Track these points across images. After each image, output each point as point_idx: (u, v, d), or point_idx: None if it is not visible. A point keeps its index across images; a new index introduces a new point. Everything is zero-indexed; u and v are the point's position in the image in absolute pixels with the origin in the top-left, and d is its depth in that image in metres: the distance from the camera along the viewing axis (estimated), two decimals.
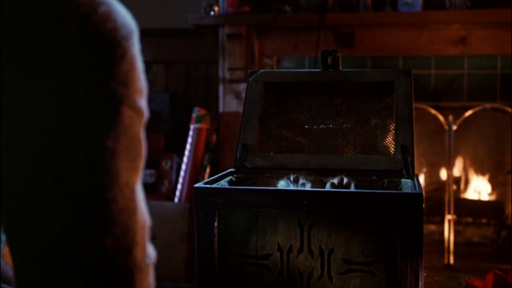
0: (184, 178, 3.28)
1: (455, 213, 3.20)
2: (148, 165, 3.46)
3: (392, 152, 1.40)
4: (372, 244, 1.11)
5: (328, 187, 1.13)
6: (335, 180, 1.12)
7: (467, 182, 3.52)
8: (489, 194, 3.50)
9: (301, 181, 1.15)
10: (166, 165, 3.42)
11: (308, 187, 1.16)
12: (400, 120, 1.42)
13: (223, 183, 1.29)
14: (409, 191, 1.17)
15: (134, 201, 0.61)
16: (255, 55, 3.43)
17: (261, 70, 1.55)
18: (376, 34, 3.37)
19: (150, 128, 3.82)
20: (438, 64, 3.41)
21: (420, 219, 1.08)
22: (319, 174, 1.38)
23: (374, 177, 1.36)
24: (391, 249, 1.09)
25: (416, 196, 1.08)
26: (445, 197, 3.20)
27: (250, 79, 1.54)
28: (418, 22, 3.31)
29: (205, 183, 1.20)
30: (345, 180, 1.12)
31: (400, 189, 1.33)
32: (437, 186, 3.49)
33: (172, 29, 3.91)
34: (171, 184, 3.39)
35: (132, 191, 0.61)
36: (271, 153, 1.46)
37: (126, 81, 0.58)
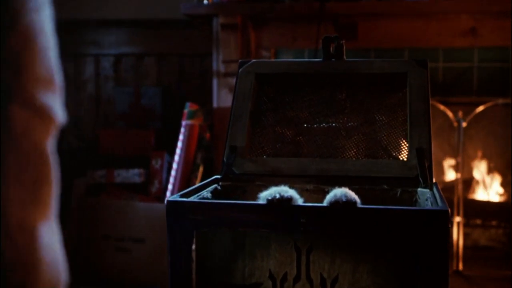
0: (175, 178, 3.07)
1: (463, 214, 2.99)
2: (137, 164, 3.25)
3: (406, 156, 1.20)
4: (386, 272, 0.90)
5: (327, 203, 0.92)
6: (332, 197, 0.90)
7: (476, 182, 3.31)
8: (500, 195, 3.29)
9: (285, 192, 0.92)
10: (156, 164, 3.21)
11: (298, 200, 0.94)
12: (414, 118, 1.22)
13: (205, 194, 1.08)
14: (431, 207, 0.96)
15: (36, 251, 0.40)
16: (251, 47, 3.22)
17: (253, 60, 1.34)
18: (381, 25, 3.17)
19: (141, 124, 3.61)
20: (446, 57, 3.20)
21: (445, 242, 0.87)
22: (319, 182, 1.18)
23: (385, 186, 1.15)
24: (409, 279, 0.89)
25: (440, 214, 0.87)
26: (453, 198, 2.99)
27: (240, 70, 1.33)
28: (425, 11, 3.10)
29: (182, 195, 0.99)
30: (348, 196, 0.90)
31: (416, 201, 1.13)
32: (444, 187, 3.28)
33: (164, 19, 3.69)
34: (161, 184, 3.18)
35: (32, 236, 0.40)
36: (264, 157, 1.25)
37: (17, 64, 0.37)
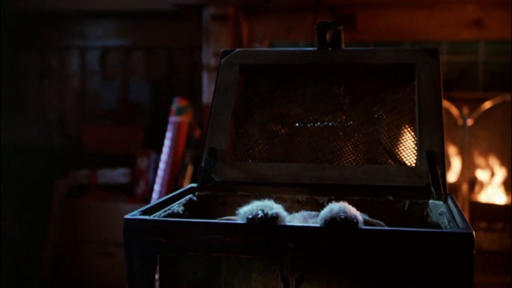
0: (162, 178, 2.89)
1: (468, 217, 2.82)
2: (123, 163, 3.07)
3: (415, 161, 1.02)
4: None
5: (320, 222, 0.74)
6: (327, 214, 0.73)
7: (481, 184, 3.14)
8: (506, 197, 3.12)
9: (269, 208, 0.74)
10: (142, 163, 3.03)
11: (285, 218, 0.75)
12: (424, 116, 1.04)
13: (176, 208, 0.90)
14: (450, 229, 0.78)
15: None
16: (243, 39, 3.04)
17: (237, 49, 1.17)
18: (380, 16, 2.99)
19: (129, 121, 3.43)
20: (450, 50, 3.03)
21: (470, 272, 0.70)
22: (313, 192, 1.00)
23: (391, 197, 0.97)
24: None
25: (464, 238, 0.70)
26: (457, 200, 2.81)
27: (223, 60, 1.16)
28: (428, 1, 2.93)
29: (145, 211, 0.81)
30: (347, 213, 0.73)
31: (428, 215, 0.95)
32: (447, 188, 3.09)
33: (153, 11, 3.52)
34: (147, 185, 3.00)
35: None
36: (249, 161, 1.08)
37: None
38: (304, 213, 0.88)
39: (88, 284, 2.85)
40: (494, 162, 3.10)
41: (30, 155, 3.45)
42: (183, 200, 0.94)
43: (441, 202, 0.93)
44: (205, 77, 3.10)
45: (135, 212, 0.78)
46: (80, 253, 2.86)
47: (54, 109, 3.69)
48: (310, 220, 0.84)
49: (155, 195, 2.88)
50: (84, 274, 2.86)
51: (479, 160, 3.10)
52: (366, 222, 0.85)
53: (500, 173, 3.10)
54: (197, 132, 3.03)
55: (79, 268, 2.87)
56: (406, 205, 0.96)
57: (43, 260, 2.90)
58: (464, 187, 2.84)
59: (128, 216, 0.77)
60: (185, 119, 2.93)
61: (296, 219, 0.86)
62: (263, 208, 0.74)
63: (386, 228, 0.72)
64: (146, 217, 0.77)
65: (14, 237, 3.15)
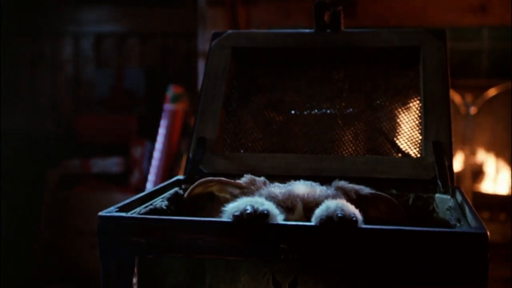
0: (157, 168, 2.81)
1: None
2: (116, 152, 2.99)
3: (420, 152, 0.94)
4: None
5: (316, 221, 0.66)
6: (323, 212, 0.65)
7: (483, 173, 3.06)
8: (509, 187, 3.04)
9: (259, 204, 0.66)
10: (136, 152, 2.95)
11: (277, 217, 0.68)
12: (430, 103, 0.97)
13: (159, 203, 0.82)
14: (461, 228, 0.71)
15: None
16: (240, 25, 2.95)
17: (229, 31, 1.08)
18: (381, 1, 2.90)
19: (123, 109, 3.35)
20: (453, 36, 2.95)
21: (484, 278, 0.62)
22: None
23: (394, 191, 0.90)
24: None
25: (477, 239, 0.62)
26: None
27: (213, 43, 1.08)
28: None
29: (123, 207, 0.73)
30: (345, 211, 0.65)
31: (434, 210, 0.87)
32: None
33: None
34: (142, 174, 2.93)
35: None
36: (241, 152, 1.00)
37: None
38: (311, 182, 0.82)
39: (80, 276, 2.79)
40: (497, 151, 3.03)
41: (23, 143, 3.37)
42: (167, 194, 0.87)
43: (448, 196, 0.85)
44: (201, 64, 3.02)
45: (111, 208, 0.71)
46: (72, 245, 2.79)
47: (47, 97, 3.60)
48: (318, 189, 0.77)
49: (149, 185, 2.80)
50: (76, 266, 2.79)
51: (482, 149, 3.03)
52: (374, 196, 0.79)
53: (504, 163, 3.03)
54: (193, 121, 2.95)
55: (71, 260, 2.80)
56: (411, 199, 0.89)
57: (35, 251, 2.83)
58: (467, 177, 2.76)
59: (102, 213, 0.69)
60: (180, 107, 2.85)
61: (301, 185, 0.79)
62: (253, 204, 0.67)
63: (389, 227, 0.64)
64: (123, 214, 0.69)
65: (5, 228, 3.08)
